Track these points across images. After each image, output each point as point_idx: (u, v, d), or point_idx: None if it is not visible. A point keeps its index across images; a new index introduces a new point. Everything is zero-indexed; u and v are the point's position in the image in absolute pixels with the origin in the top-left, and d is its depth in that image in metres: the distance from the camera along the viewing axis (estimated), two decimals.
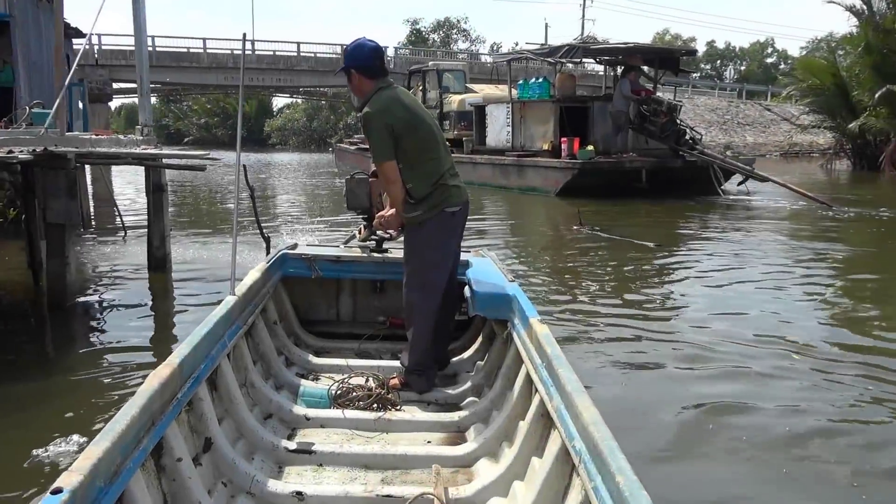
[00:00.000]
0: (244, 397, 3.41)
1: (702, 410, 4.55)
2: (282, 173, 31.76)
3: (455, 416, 3.70)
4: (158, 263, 8.67)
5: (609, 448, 2.15)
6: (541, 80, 18.86)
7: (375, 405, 3.70)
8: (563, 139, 17.33)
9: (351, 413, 3.60)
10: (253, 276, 4.13)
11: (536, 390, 3.06)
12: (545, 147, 18.05)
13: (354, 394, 3.75)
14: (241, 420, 3.26)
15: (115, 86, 44.45)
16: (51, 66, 15.24)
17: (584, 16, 58.77)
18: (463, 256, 4.59)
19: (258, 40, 48.94)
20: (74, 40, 22.09)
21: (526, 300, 3.78)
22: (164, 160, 8.16)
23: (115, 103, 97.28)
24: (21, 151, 6.65)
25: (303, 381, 4.06)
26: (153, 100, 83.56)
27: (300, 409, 3.63)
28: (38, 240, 7.40)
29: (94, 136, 8.77)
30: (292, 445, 3.25)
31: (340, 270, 4.81)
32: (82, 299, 7.40)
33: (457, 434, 3.57)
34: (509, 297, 3.91)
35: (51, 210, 7.12)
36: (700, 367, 5.37)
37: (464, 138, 21.37)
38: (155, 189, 8.94)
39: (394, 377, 3.98)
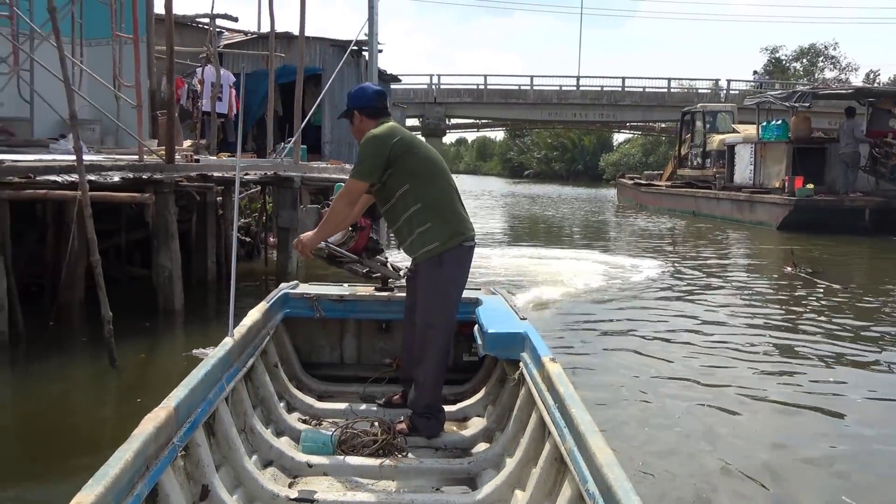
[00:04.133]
0: (243, 443, 3.31)
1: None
2: (562, 204, 34.86)
3: (465, 462, 3.56)
4: None
5: (623, 490, 2.10)
6: (779, 122, 19.61)
7: (381, 451, 3.53)
8: (786, 177, 18.11)
9: (355, 460, 3.44)
10: (253, 316, 3.99)
11: (549, 433, 2.93)
12: (777, 185, 18.91)
13: (359, 439, 3.59)
14: (239, 467, 3.16)
15: (451, 121, 50.16)
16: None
17: None
18: (474, 294, 4.54)
19: (584, 76, 51.26)
20: (392, 85, 27.00)
21: (539, 339, 3.64)
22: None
23: (471, 137, 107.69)
24: (255, 174, 10.17)
25: (305, 427, 3.91)
26: (502, 135, 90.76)
27: (302, 457, 3.47)
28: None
29: (322, 165, 12.23)
30: (293, 494, 3.12)
31: (344, 310, 4.65)
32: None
33: (467, 481, 3.43)
34: (521, 336, 3.74)
35: (281, 217, 10.44)
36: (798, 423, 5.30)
37: (716, 175, 22.56)
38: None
39: (401, 421, 3.81)
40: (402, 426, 3.77)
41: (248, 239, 12.09)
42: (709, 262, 13.74)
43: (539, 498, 2.90)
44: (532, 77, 48.07)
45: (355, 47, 16.62)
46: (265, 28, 12.75)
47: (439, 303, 3.77)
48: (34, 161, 7.17)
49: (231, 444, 3.19)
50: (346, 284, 4.89)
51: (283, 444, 3.61)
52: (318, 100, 12.26)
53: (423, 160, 3.77)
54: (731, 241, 17.70)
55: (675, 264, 13.16)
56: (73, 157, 6.85)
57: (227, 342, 3.46)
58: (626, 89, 48.39)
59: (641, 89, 48.81)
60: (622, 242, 17.71)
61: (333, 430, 3.68)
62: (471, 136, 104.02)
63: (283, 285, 4.76)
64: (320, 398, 4.43)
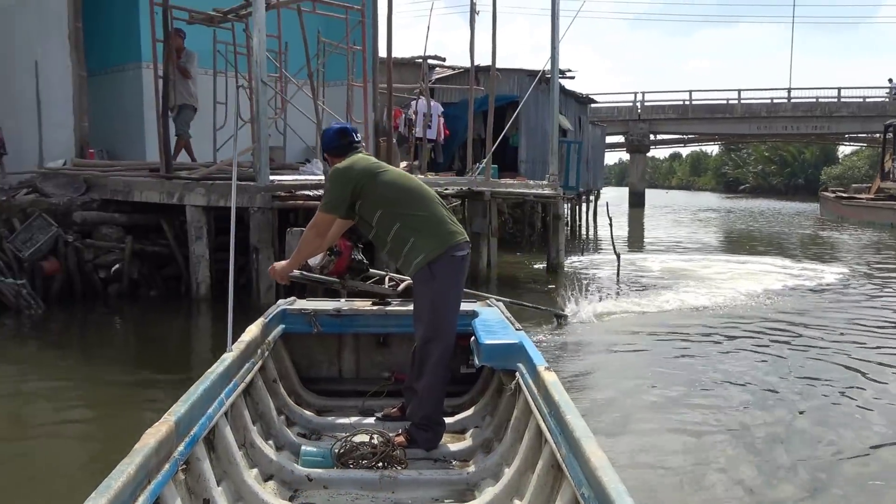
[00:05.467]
0: (243, 458, 3.34)
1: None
2: (761, 217, 35.12)
3: (464, 472, 3.61)
4: (553, 266, 13.52)
5: (617, 492, 2.13)
6: None
7: (381, 463, 3.56)
8: None
9: (355, 473, 3.48)
10: (251, 332, 4.02)
11: (546, 441, 2.97)
12: None
13: (358, 452, 3.60)
14: (240, 482, 3.18)
15: (657, 137, 50.73)
16: (544, 130, 21.61)
17: None
18: (470, 307, 4.60)
19: (794, 88, 49.41)
20: (590, 105, 28.79)
21: (533, 348, 3.71)
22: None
23: (685, 152, 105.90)
24: (453, 188, 12.45)
25: (304, 441, 3.96)
26: (717, 149, 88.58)
27: (302, 470, 3.52)
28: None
29: (509, 181, 14.38)
30: None
31: (342, 325, 4.69)
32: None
33: (466, 491, 3.48)
34: (516, 346, 3.82)
35: (474, 223, 12.73)
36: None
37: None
38: (553, 217, 14.10)
39: (399, 434, 3.82)
40: (401, 438, 3.78)
41: None
42: (879, 269, 14.56)
43: None
44: (739, 91, 47.00)
45: (548, 76, 18.58)
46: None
47: (435, 315, 3.82)
48: (292, 180, 9.84)
49: (231, 459, 3.21)
50: (343, 300, 4.99)
51: (283, 458, 3.64)
52: (509, 123, 14.24)
53: (388, 183, 3.88)
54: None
55: (845, 271, 14.10)
56: (319, 177, 9.42)
57: (226, 357, 3.51)
58: (841, 100, 46.53)
59: (861, 99, 46.65)
60: (802, 252, 18.40)
61: (333, 443, 3.72)
62: (684, 151, 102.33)
63: (280, 301, 4.82)
64: (319, 413, 4.47)
